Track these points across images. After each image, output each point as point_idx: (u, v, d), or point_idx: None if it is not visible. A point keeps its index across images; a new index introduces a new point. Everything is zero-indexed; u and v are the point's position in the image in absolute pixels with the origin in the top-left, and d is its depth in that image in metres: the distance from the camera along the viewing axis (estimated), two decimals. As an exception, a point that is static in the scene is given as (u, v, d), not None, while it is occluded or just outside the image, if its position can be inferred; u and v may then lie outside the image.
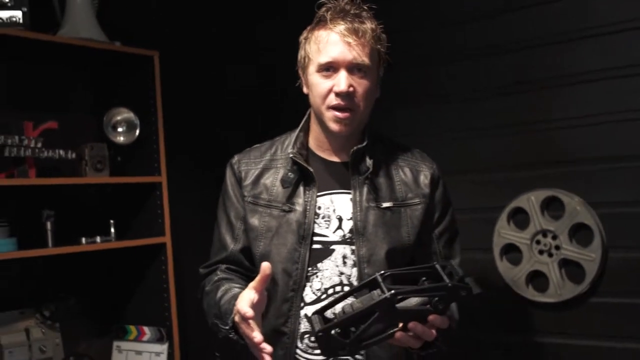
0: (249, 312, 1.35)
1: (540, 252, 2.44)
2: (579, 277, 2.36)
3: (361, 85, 1.57)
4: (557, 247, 2.40)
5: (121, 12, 2.85)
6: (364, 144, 1.64)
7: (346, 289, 1.60)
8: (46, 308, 2.53)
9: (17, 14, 2.39)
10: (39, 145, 2.41)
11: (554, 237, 2.41)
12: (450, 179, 2.63)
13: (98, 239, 2.55)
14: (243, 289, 1.48)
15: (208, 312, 1.66)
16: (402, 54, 2.78)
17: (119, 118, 2.70)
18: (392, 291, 1.26)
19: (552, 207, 2.43)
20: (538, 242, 2.45)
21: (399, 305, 1.30)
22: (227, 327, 1.51)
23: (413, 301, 1.31)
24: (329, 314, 1.40)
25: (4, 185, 2.31)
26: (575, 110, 2.38)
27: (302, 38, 1.66)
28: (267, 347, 1.36)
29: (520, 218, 2.50)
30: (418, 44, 2.74)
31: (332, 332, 1.30)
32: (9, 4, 2.37)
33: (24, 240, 2.36)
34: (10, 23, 2.38)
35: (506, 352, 2.53)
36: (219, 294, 1.59)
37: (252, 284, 1.41)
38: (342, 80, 1.55)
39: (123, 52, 2.63)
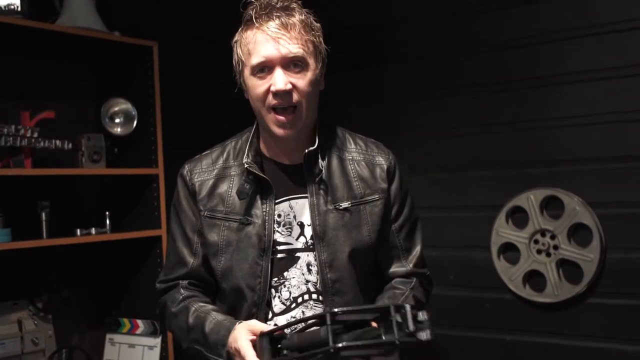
0: None
1: (539, 251, 2.43)
2: (577, 278, 2.35)
3: (300, 80, 1.49)
4: (556, 247, 2.39)
5: (121, 2, 2.82)
6: (315, 145, 1.57)
7: (314, 296, 1.57)
8: (39, 300, 2.51)
9: (16, 2, 2.37)
10: (35, 135, 2.38)
11: (553, 237, 2.40)
12: (450, 175, 2.65)
13: (93, 230, 2.54)
14: (214, 309, 1.56)
15: (181, 336, 1.61)
16: (404, 49, 2.76)
17: (116, 109, 2.67)
18: (339, 345, 1.22)
19: (551, 206, 2.42)
20: (536, 242, 2.44)
21: (344, 344, 1.24)
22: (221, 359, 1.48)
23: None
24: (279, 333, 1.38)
25: (-1, 175, 2.29)
26: (576, 109, 2.37)
27: (233, 42, 1.56)
28: None
29: (519, 217, 2.49)
30: (421, 39, 2.72)
31: None
32: (7, -8, 2.34)
33: (19, 231, 2.34)
34: (8, 11, 2.35)
35: (502, 351, 2.52)
36: (193, 319, 1.55)
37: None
38: (278, 79, 1.47)
39: (122, 42, 2.61)
